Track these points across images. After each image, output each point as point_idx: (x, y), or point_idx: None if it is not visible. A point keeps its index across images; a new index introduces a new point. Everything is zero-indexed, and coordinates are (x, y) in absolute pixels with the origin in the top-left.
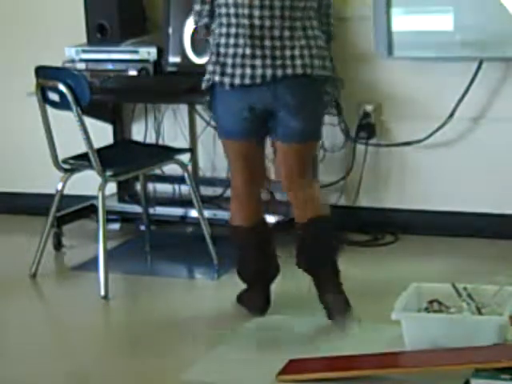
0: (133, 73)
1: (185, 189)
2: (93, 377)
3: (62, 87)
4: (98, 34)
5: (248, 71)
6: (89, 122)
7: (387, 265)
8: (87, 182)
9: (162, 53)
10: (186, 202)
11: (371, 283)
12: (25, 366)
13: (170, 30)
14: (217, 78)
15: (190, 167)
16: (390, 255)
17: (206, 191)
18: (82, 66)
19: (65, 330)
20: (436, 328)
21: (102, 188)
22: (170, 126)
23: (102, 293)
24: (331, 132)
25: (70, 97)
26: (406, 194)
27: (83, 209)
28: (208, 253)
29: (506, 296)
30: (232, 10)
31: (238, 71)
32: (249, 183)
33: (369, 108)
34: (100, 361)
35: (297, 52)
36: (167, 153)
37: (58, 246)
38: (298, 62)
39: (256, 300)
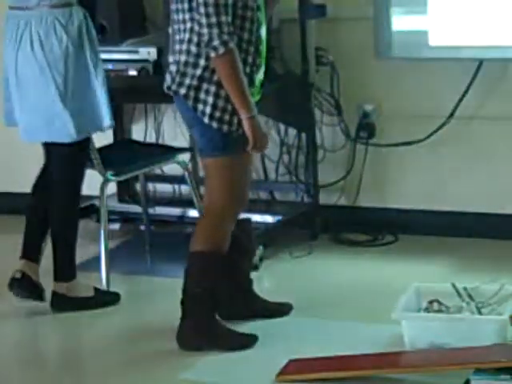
0: (133, 73)
1: (185, 189)
2: (93, 376)
3: None
4: (97, 34)
5: None
6: None
7: (387, 265)
8: (87, 182)
9: (161, 53)
10: (185, 202)
11: (371, 283)
12: (25, 366)
13: (170, 30)
14: None
15: (190, 167)
16: (389, 255)
17: None
18: None
19: (65, 330)
20: (436, 328)
21: (103, 187)
22: (170, 125)
23: None
24: (331, 132)
25: None
26: (405, 194)
27: (83, 209)
28: None
29: (506, 296)
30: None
31: None
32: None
33: (369, 108)
34: (100, 360)
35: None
36: (168, 152)
37: None
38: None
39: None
